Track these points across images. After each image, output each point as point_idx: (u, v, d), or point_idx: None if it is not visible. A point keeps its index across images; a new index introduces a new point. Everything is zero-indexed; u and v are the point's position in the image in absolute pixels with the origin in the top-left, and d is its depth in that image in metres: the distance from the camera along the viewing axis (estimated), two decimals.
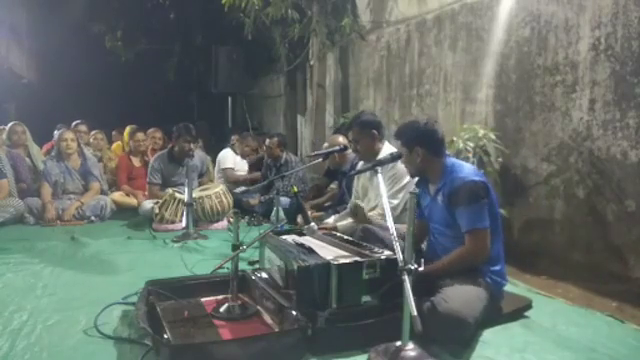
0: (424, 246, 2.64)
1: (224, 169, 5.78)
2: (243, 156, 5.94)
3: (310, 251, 2.28)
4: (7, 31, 8.86)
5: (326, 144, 4.07)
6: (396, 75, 5.38)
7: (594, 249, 3.19)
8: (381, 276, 2.09)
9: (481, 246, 2.19)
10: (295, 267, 2.09)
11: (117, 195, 5.12)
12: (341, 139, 4.06)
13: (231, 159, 5.88)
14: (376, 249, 2.29)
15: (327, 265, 2.08)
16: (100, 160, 5.66)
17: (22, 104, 8.99)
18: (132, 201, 5.04)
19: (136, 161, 5.43)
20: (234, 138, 6.75)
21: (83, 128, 5.61)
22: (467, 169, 2.33)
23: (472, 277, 2.18)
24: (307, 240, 2.51)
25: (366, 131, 3.17)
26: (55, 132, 6.06)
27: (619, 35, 3.02)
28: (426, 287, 2.15)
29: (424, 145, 2.36)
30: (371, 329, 2.02)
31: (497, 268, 2.29)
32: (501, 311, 2.32)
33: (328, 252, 2.29)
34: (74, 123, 5.56)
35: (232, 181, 5.59)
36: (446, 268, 2.22)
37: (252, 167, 5.92)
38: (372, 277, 2.09)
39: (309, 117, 7.38)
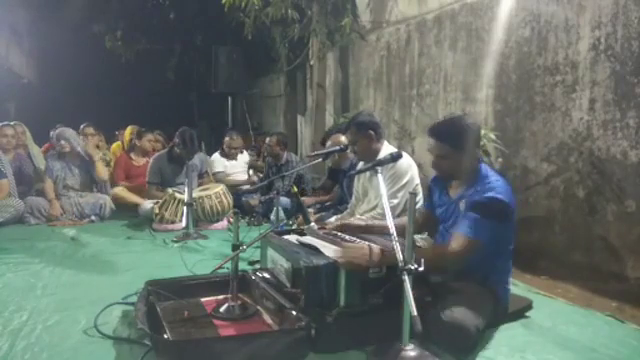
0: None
1: (214, 173, 5.63)
2: (229, 157, 5.76)
3: (316, 251, 2.28)
4: (7, 31, 8.86)
5: (329, 143, 4.07)
6: (396, 75, 5.38)
7: (594, 249, 3.19)
8: (386, 275, 2.09)
9: (462, 253, 2.11)
10: (303, 267, 2.09)
11: (119, 189, 5.09)
12: (342, 138, 4.06)
13: (220, 163, 5.72)
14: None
15: (335, 265, 2.08)
16: (108, 164, 5.66)
17: (22, 104, 8.98)
18: (135, 198, 5.00)
19: (137, 160, 5.43)
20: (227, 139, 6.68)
21: (90, 130, 5.58)
22: (501, 186, 2.19)
23: (481, 287, 2.18)
24: (309, 240, 2.51)
25: (363, 132, 3.16)
26: (51, 132, 6.06)
27: (619, 35, 3.02)
28: (432, 290, 2.17)
29: (472, 147, 2.25)
30: (377, 328, 2.02)
31: (508, 284, 2.32)
32: (507, 314, 2.32)
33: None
34: (82, 126, 5.56)
35: (229, 185, 5.37)
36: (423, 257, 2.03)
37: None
38: (378, 276, 2.09)
39: (309, 117, 7.38)
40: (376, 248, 2.10)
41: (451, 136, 2.26)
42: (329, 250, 2.30)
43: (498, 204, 2.13)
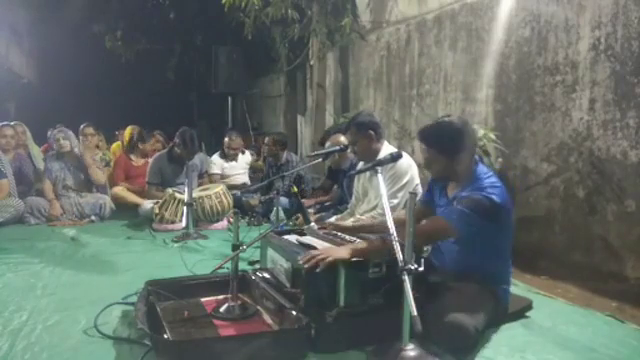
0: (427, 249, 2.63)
1: (210, 175, 5.60)
2: (229, 158, 5.73)
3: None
4: (7, 31, 8.87)
5: (328, 143, 4.07)
6: (396, 75, 5.39)
7: (594, 249, 3.19)
8: (386, 275, 2.09)
9: (430, 230, 2.20)
10: (303, 267, 2.08)
11: (119, 189, 5.08)
12: (342, 138, 4.06)
13: (218, 165, 5.69)
14: None
15: (334, 264, 2.08)
16: (108, 164, 5.66)
17: (22, 104, 9.00)
18: (135, 197, 4.99)
19: (137, 161, 5.43)
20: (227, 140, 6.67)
21: (89, 130, 5.57)
22: (494, 186, 2.18)
23: (481, 287, 2.18)
24: (309, 240, 2.51)
25: (363, 132, 3.15)
26: (49, 133, 6.06)
27: (619, 35, 3.02)
28: (432, 290, 2.17)
29: (462, 151, 2.23)
30: (377, 328, 2.02)
31: (508, 284, 2.33)
32: (507, 314, 2.32)
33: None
34: (81, 126, 5.56)
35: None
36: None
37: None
38: (377, 276, 2.09)
39: (309, 117, 7.38)
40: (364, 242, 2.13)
41: (438, 141, 2.27)
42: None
43: (487, 203, 2.12)
